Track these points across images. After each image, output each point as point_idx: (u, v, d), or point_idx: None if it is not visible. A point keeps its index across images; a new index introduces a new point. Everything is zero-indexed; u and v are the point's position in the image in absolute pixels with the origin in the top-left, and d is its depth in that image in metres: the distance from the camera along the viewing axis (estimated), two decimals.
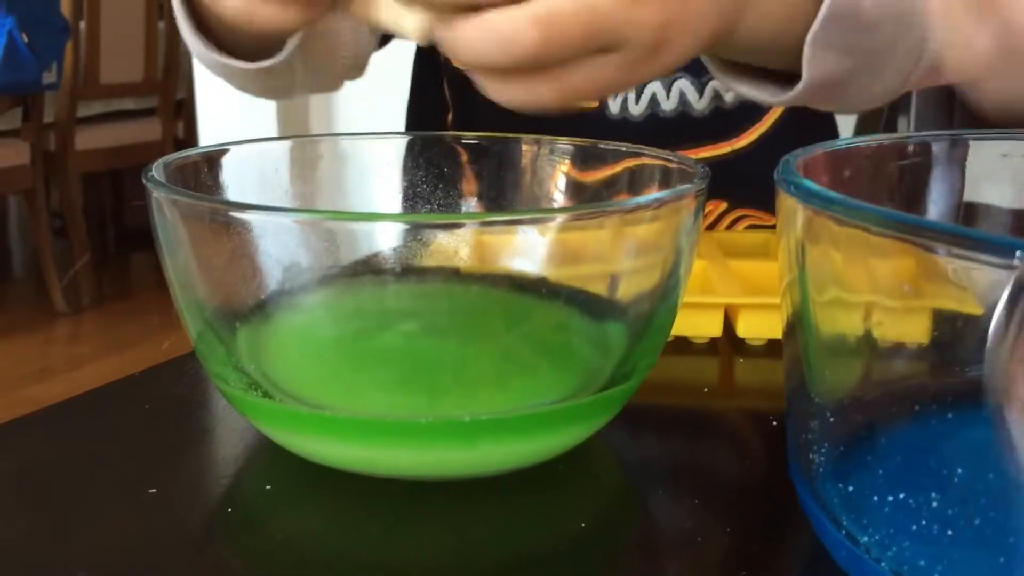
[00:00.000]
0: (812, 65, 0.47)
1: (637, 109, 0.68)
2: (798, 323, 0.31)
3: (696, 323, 0.51)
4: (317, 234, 0.35)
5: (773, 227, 0.35)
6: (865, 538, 0.28)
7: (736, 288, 0.52)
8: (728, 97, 0.68)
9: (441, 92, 0.77)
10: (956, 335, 0.28)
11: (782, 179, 0.30)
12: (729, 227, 0.72)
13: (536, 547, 0.34)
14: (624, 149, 0.45)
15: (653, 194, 0.39)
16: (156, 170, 0.38)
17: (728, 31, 0.44)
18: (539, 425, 0.36)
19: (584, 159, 0.49)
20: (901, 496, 0.28)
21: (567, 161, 0.50)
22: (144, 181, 0.36)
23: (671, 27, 0.39)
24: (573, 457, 0.39)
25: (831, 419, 0.30)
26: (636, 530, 0.36)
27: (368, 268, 0.39)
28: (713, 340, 0.51)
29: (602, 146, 0.47)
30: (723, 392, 0.47)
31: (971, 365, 0.28)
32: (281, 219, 0.35)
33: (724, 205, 0.73)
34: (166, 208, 0.35)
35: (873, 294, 0.28)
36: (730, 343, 0.51)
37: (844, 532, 0.28)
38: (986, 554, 0.26)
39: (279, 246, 0.36)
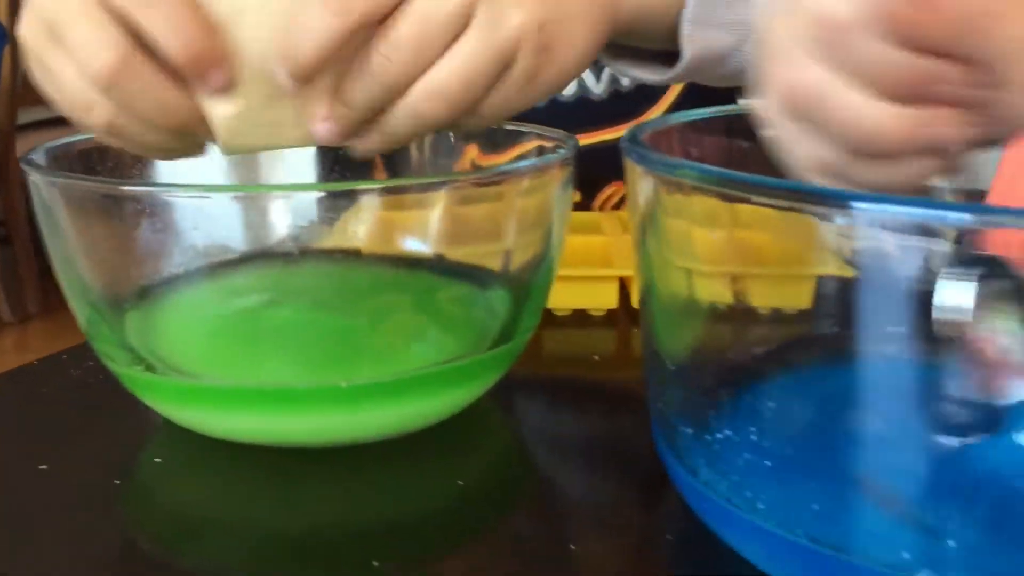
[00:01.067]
0: (690, 43, 0.48)
1: (599, 89, 0.69)
2: (646, 290, 0.32)
3: (594, 295, 0.53)
4: (195, 210, 0.36)
5: None
6: (704, 472, 0.29)
7: (631, 261, 0.53)
8: (625, 81, 0.69)
9: None
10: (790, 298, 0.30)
11: (627, 146, 0.31)
12: None
13: (424, 507, 0.35)
14: (523, 130, 0.47)
15: (521, 163, 0.40)
16: (37, 155, 0.39)
17: (610, 20, 0.45)
18: (419, 388, 0.37)
19: (482, 145, 0.51)
20: (731, 437, 0.29)
21: (472, 145, 0.52)
22: (23, 165, 0.37)
23: (551, 27, 0.40)
24: (464, 422, 0.40)
25: (675, 377, 0.32)
26: (521, 489, 0.37)
27: (265, 250, 0.41)
28: (611, 312, 0.53)
29: (499, 130, 0.48)
30: (615, 361, 0.48)
31: (806, 325, 0.30)
32: (159, 196, 0.36)
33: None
34: (45, 191, 0.36)
35: (712, 261, 0.29)
36: (627, 314, 0.53)
37: (681, 463, 0.30)
38: (802, 485, 0.28)
39: (159, 224, 0.37)
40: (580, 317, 0.53)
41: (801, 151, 0.28)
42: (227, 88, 0.36)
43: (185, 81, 0.35)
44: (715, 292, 0.30)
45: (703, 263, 0.29)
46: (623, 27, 0.47)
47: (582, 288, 0.53)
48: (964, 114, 0.25)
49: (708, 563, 0.30)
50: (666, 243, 0.30)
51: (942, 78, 0.25)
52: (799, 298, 0.29)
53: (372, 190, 0.37)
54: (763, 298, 0.30)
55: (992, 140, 0.26)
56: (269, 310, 0.41)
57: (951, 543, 0.25)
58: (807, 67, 0.27)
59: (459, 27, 0.36)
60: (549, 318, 0.52)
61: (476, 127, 0.40)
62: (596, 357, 0.48)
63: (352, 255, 0.43)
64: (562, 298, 0.53)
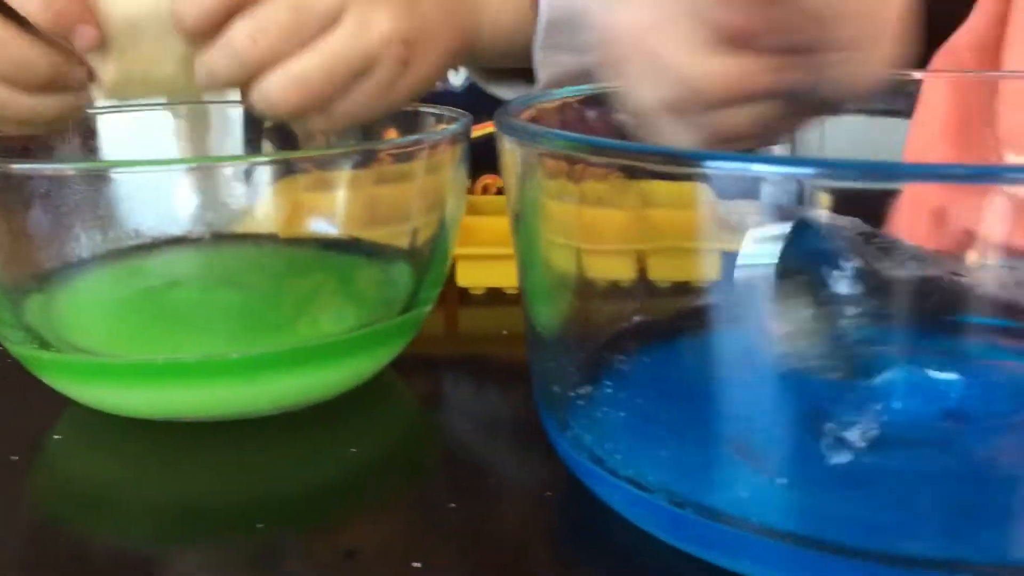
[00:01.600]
0: (543, 68, 0.50)
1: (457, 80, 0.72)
2: (519, 263, 0.33)
3: (507, 274, 0.54)
4: (93, 191, 0.37)
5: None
6: (572, 429, 0.31)
7: None
8: None
9: None
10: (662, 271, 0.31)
11: (497, 121, 0.31)
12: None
13: (320, 476, 0.36)
14: (421, 110, 0.48)
15: (418, 135, 0.42)
16: None
17: (468, 44, 0.47)
18: (314, 359, 0.38)
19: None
20: (592, 393, 0.30)
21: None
22: None
23: (414, 43, 0.41)
24: (367, 395, 0.41)
25: (545, 342, 0.32)
26: (415, 457, 0.38)
27: (175, 236, 0.41)
28: None
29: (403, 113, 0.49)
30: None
31: (678, 298, 0.31)
32: (54, 175, 0.36)
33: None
34: None
35: (565, 234, 0.30)
36: None
37: (555, 421, 0.31)
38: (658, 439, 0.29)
39: (54, 206, 0.37)
40: (495, 295, 0.54)
41: (646, 94, 0.29)
42: (100, 44, 0.36)
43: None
44: (575, 265, 0.31)
45: (563, 236, 0.30)
46: (482, 51, 0.49)
47: (495, 267, 0.54)
48: (788, 64, 0.27)
49: (584, 518, 0.31)
50: (529, 215, 0.31)
51: (766, 28, 0.26)
52: (660, 270, 0.31)
53: (275, 161, 0.38)
54: (622, 270, 0.31)
55: (825, 102, 0.28)
56: (173, 291, 0.41)
57: (797, 491, 0.26)
58: (641, 16, 0.29)
59: (328, 24, 0.37)
60: (465, 297, 0.53)
61: (320, 127, 0.41)
62: (505, 332, 0.49)
63: (267, 239, 0.43)
64: (476, 277, 0.54)
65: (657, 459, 0.28)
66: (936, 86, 0.43)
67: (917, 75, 0.42)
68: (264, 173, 0.38)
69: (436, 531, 0.32)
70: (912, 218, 0.28)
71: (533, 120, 0.34)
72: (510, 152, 0.30)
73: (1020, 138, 0.43)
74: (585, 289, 0.31)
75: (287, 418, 0.39)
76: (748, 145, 0.30)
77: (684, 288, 0.29)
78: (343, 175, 0.39)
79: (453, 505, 0.33)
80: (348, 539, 0.31)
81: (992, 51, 0.51)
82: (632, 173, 0.26)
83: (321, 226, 0.43)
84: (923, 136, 0.45)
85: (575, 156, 0.27)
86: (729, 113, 0.28)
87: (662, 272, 0.31)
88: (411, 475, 0.36)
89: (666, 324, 0.31)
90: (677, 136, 0.29)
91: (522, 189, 0.31)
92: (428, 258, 0.41)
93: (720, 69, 0.27)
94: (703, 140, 0.28)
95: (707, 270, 0.27)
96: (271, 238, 0.43)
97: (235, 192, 0.39)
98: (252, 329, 0.39)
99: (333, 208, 0.41)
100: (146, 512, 0.34)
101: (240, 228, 0.42)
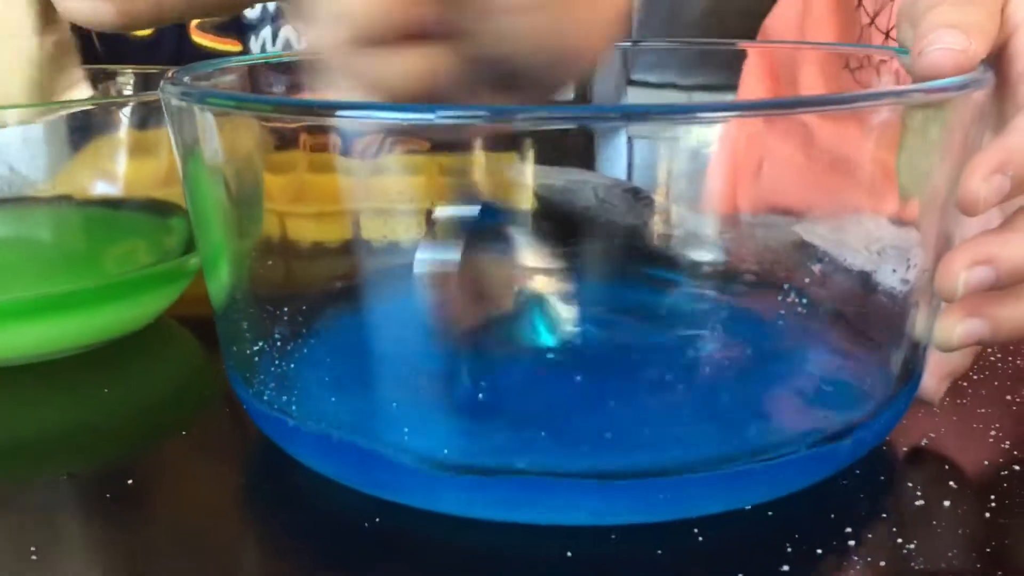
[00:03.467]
0: None
1: (273, 49, 0.71)
2: (193, 223, 0.33)
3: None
4: None
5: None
6: (255, 384, 0.31)
7: None
8: None
9: (93, 48, 0.79)
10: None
11: (161, 87, 0.30)
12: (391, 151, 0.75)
13: (114, 414, 0.37)
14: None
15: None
16: None
17: None
18: (70, 305, 0.39)
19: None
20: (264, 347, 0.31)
21: None
22: None
23: None
24: (152, 338, 0.44)
25: (220, 295, 0.32)
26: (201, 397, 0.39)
27: None
28: None
29: None
30: None
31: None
32: None
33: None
34: None
35: (239, 197, 0.30)
36: None
37: (239, 376, 0.32)
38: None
39: None
40: None
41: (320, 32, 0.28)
42: None
43: None
44: (236, 226, 0.31)
45: (226, 198, 0.30)
46: None
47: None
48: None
49: (269, 468, 0.32)
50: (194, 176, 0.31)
51: None
52: (327, 231, 0.31)
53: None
54: (292, 231, 0.31)
55: (522, 72, 0.26)
56: None
57: (453, 426, 0.28)
58: None
59: None
60: None
61: None
62: None
63: (60, 200, 0.46)
64: None
65: (328, 405, 0.29)
66: (753, 60, 0.44)
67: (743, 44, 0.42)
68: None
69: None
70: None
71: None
72: (177, 114, 0.30)
73: None
74: (254, 250, 0.31)
75: (66, 363, 0.41)
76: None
77: (351, 247, 0.30)
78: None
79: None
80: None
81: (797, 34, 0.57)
82: (285, 136, 0.27)
83: (107, 188, 0.45)
84: None
85: (230, 112, 0.27)
86: (397, 59, 0.26)
87: (330, 233, 0.31)
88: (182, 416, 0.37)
89: (340, 282, 0.32)
90: (351, 85, 0.27)
91: (188, 150, 0.30)
92: None
93: None
94: (376, 90, 0.27)
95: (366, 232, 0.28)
96: (66, 199, 0.45)
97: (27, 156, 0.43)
98: (27, 275, 0.42)
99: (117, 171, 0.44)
100: None
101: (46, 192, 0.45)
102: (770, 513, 0.29)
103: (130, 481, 0.32)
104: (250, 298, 0.31)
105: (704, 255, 0.29)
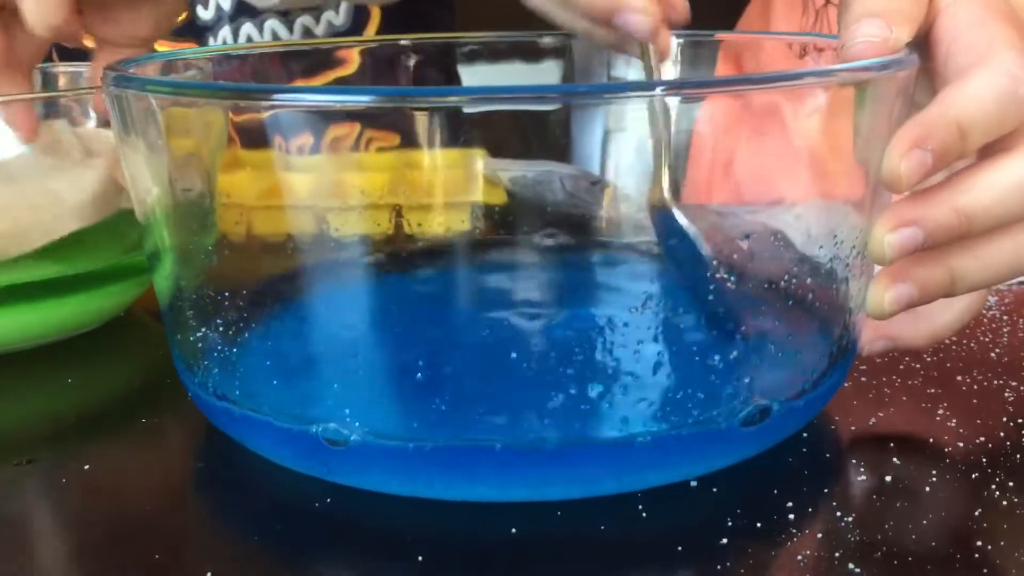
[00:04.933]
0: None
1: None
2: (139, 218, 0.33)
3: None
4: None
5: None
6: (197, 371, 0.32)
7: None
8: (318, 30, 0.71)
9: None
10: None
11: (102, 77, 0.31)
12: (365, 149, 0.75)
13: (72, 407, 0.37)
14: None
15: None
16: None
17: None
18: (39, 296, 0.40)
19: None
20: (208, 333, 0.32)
21: None
22: None
23: None
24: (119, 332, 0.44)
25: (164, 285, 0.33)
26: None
27: None
28: None
29: None
30: None
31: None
32: None
33: (358, 127, 0.76)
34: None
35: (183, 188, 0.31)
36: None
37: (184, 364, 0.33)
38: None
39: None
40: None
41: None
42: None
43: None
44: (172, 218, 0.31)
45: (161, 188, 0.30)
46: None
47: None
48: None
49: (221, 454, 0.33)
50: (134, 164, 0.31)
51: None
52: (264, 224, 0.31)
53: None
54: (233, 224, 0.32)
55: None
56: None
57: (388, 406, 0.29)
58: None
59: None
60: None
61: None
62: None
63: None
64: None
65: (268, 391, 0.30)
66: (722, 55, 0.45)
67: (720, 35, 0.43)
68: None
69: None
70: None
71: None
72: (115, 104, 0.30)
73: None
74: (194, 240, 0.32)
75: (35, 354, 0.41)
76: None
77: (292, 239, 0.30)
78: None
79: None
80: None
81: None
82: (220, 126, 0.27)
83: None
84: None
85: (165, 99, 0.28)
86: None
87: (270, 225, 0.32)
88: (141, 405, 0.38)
89: (280, 272, 0.32)
90: None
91: (125, 140, 0.31)
92: None
93: None
94: None
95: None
96: None
97: None
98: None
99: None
100: None
101: None
102: (715, 490, 0.30)
103: (87, 467, 0.32)
104: (190, 288, 0.32)
105: (641, 234, 0.29)
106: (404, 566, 0.26)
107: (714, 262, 0.29)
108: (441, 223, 0.35)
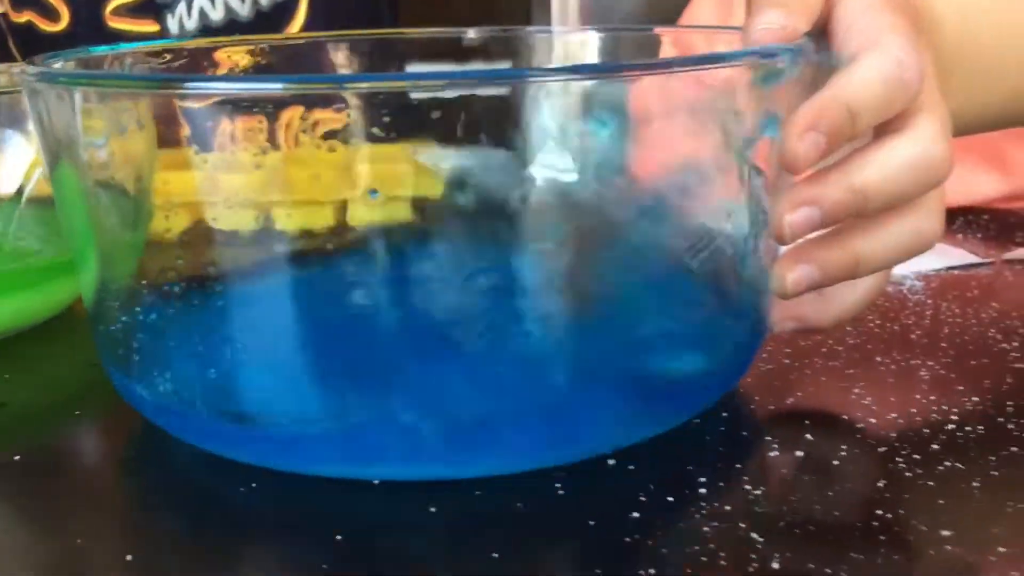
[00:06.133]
0: None
1: (191, 24, 0.73)
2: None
3: None
4: None
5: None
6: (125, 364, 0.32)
7: None
8: (263, 2, 0.73)
9: (7, 49, 0.80)
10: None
11: (20, 72, 0.31)
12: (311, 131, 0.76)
13: (7, 402, 0.37)
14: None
15: None
16: None
17: None
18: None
19: None
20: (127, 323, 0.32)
21: None
22: None
23: None
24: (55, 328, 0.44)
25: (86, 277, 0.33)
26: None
27: None
28: None
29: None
30: None
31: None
32: None
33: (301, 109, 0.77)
34: None
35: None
36: None
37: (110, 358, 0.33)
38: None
39: None
40: None
41: None
42: None
43: None
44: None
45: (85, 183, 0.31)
46: None
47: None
48: None
49: (149, 443, 0.33)
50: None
51: None
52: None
53: None
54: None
55: None
56: None
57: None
58: None
59: None
60: None
61: None
62: None
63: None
64: None
65: (188, 379, 0.30)
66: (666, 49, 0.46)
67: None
68: None
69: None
70: None
71: None
72: (33, 99, 0.30)
73: None
74: (113, 233, 0.32)
75: None
76: None
77: (207, 234, 0.30)
78: None
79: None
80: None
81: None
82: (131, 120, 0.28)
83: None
84: None
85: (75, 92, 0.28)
86: None
87: (182, 221, 0.31)
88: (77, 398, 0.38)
89: (196, 264, 0.32)
90: None
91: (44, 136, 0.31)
92: None
93: None
94: None
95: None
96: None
97: None
98: None
99: None
100: None
101: None
102: (631, 467, 0.30)
103: (16, 457, 0.33)
104: (111, 282, 0.32)
105: (565, 218, 0.30)
106: (322, 546, 0.27)
107: (626, 241, 0.30)
108: (376, 216, 0.36)
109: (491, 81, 0.26)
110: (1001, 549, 0.26)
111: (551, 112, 0.26)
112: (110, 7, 0.73)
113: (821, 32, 0.31)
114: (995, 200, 0.59)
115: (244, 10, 0.73)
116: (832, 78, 0.29)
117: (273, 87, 0.26)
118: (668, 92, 0.28)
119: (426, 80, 0.27)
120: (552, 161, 0.28)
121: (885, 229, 0.31)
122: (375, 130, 0.27)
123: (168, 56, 0.39)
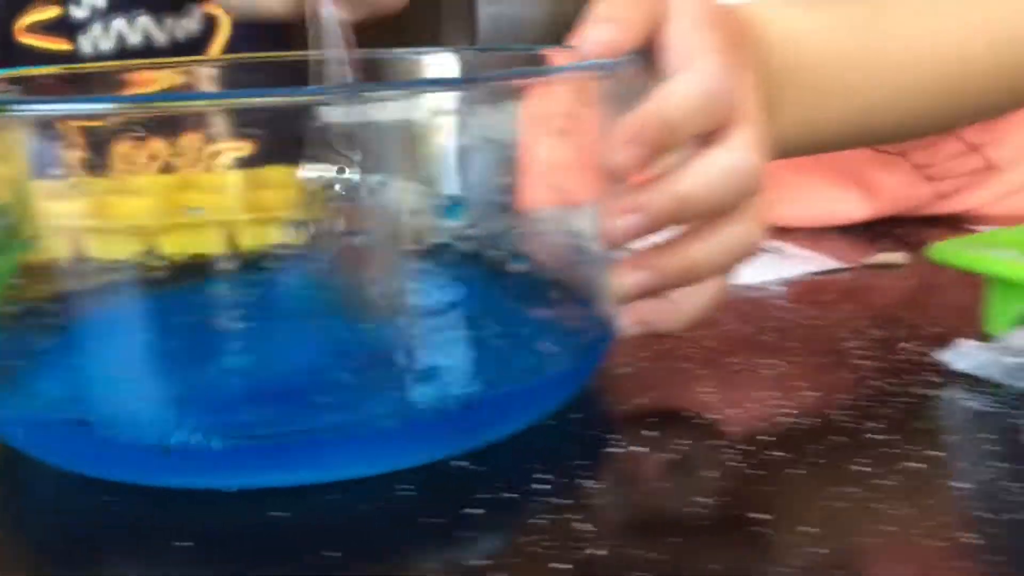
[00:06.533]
0: None
1: (107, 45, 0.73)
2: None
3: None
4: None
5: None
6: None
7: None
8: (178, 32, 0.74)
9: None
10: None
11: None
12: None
13: None
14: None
15: None
16: None
17: None
18: None
19: None
20: None
21: None
22: None
23: None
24: None
25: None
26: None
27: None
28: None
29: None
30: None
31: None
32: None
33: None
34: None
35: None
36: None
37: None
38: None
39: None
40: None
41: None
42: None
43: None
44: None
45: None
46: None
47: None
48: None
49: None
50: None
51: None
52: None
53: None
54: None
55: None
56: None
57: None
58: None
59: None
60: None
61: None
62: None
63: None
64: None
65: (46, 397, 0.31)
66: None
67: None
68: None
69: None
70: None
71: None
72: None
73: None
74: None
75: None
76: None
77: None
78: None
79: None
80: None
81: None
82: None
83: None
84: None
85: None
86: None
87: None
88: None
89: (58, 286, 0.33)
90: None
91: None
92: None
93: None
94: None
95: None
96: None
97: None
98: None
99: None
100: None
101: None
102: (483, 468, 0.31)
103: None
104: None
105: (428, 236, 0.31)
106: (174, 554, 0.28)
107: (474, 252, 0.31)
108: (254, 237, 0.37)
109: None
110: (812, 529, 0.28)
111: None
112: (24, 22, 0.72)
113: (650, 49, 0.33)
114: (858, 222, 0.61)
115: (161, 37, 0.73)
116: (652, 92, 0.31)
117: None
118: (498, 108, 0.29)
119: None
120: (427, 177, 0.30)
121: (715, 236, 0.33)
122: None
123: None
